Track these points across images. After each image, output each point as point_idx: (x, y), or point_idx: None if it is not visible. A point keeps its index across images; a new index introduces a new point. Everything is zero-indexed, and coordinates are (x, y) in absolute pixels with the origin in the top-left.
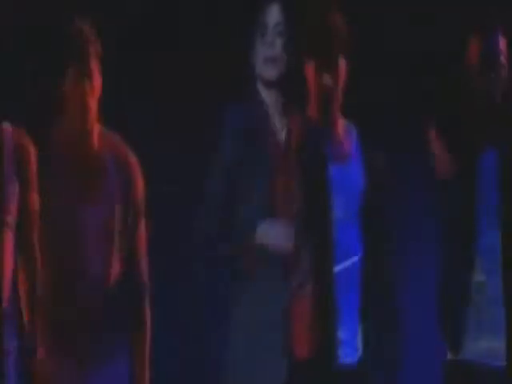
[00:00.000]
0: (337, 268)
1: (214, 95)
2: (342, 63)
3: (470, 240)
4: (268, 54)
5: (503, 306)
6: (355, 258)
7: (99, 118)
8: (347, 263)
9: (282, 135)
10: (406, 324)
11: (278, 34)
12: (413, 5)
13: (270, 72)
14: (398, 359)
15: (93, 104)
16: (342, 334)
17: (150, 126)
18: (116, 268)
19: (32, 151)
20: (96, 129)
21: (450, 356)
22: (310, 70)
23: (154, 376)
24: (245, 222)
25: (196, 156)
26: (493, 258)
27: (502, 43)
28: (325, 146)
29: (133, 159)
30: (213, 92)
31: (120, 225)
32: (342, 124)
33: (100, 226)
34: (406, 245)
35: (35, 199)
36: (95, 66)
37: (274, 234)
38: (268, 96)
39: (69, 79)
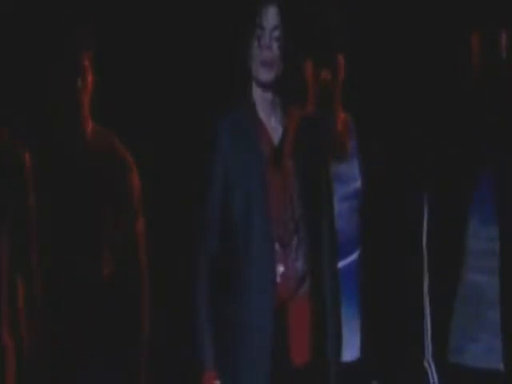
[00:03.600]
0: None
1: (210, 96)
2: (341, 59)
3: (462, 240)
4: (265, 58)
5: (501, 307)
6: (354, 256)
7: (94, 115)
8: (346, 261)
9: (279, 135)
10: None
11: (275, 37)
12: (413, 3)
13: (266, 75)
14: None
15: (85, 101)
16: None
17: (146, 125)
18: (107, 269)
19: (27, 158)
20: (89, 126)
21: (447, 358)
22: (308, 67)
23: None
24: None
25: (192, 155)
26: (492, 259)
27: (504, 42)
28: (324, 144)
29: (127, 157)
30: (209, 93)
31: (111, 224)
32: (342, 120)
33: (89, 226)
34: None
35: (32, 206)
36: (87, 64)
37: None
38: (264, 96)
39: (61, 77)
